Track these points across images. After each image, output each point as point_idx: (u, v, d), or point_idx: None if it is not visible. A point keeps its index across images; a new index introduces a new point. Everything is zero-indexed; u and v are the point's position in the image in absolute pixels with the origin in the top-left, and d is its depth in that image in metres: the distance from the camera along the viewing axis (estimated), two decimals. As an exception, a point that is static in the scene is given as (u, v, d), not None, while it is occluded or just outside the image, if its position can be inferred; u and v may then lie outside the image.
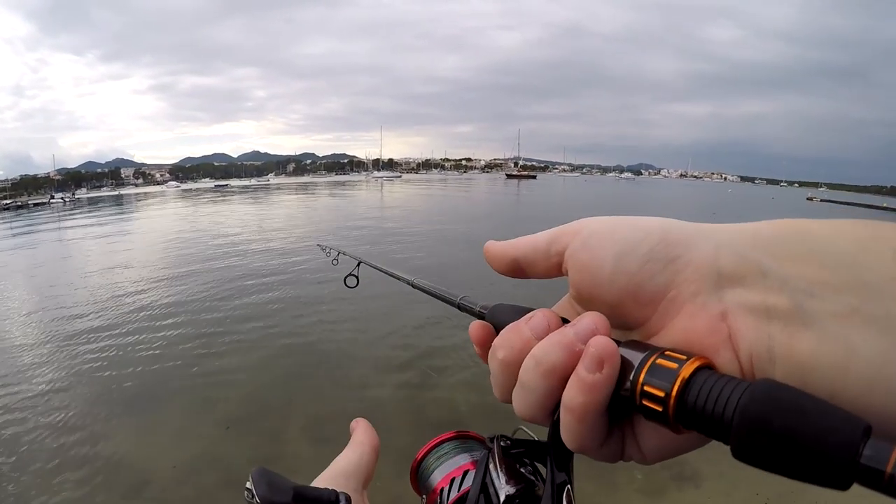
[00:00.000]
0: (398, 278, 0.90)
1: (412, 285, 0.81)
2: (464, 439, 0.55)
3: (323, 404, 6.29)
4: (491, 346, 0.39)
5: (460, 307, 0.55)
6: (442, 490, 0.48)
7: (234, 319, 9.49)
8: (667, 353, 0.29)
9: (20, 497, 4.78)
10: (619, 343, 0.31)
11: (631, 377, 0.30)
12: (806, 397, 0.23)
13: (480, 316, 0.48)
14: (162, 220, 34.20)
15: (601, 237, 0.35)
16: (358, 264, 1.25)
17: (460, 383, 6.63)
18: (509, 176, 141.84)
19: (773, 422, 0.23)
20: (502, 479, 0.42)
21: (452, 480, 0.49)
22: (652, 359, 0.29)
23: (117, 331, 9.12)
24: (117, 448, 5.53)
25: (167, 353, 8.03)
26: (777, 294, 0.26)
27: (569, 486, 0.38)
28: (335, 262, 1.53)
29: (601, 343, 0.30)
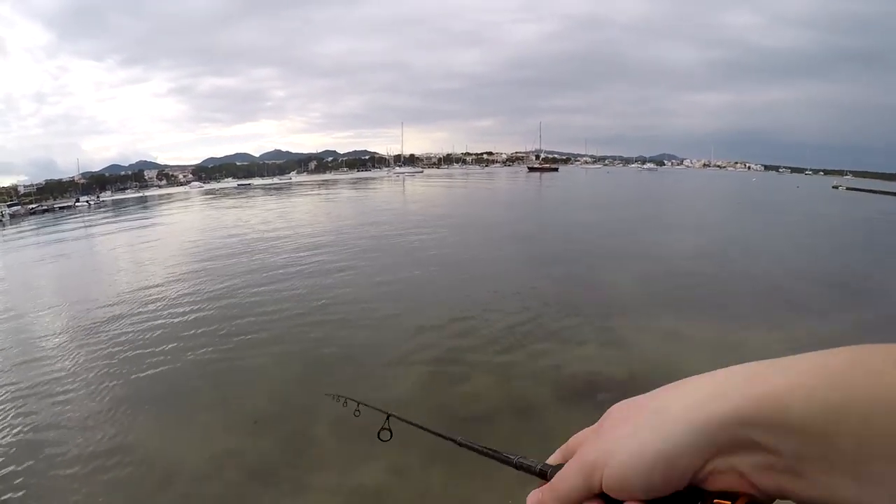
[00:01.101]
0: (439, 436, 0.84)
1: (457, 444, 0.76)
2: None
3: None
4: None
5: (517, 466, 0.56)
6: None
7: (264, 315, 9.71)
8: (715, 501, 0.38)
9: (49, 489, 5.00)
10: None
11: None
12: None
13: (542, 475, 0.51)
14: (186, 220, 34.79)
15: (629, 470, 0.40)
16: (387, 417, 1.14)
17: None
18: (531, 169, 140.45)
19: None
20: None
21: None
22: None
23: (147, 327, 9.40)
24: (146, 442, 5.74)
25: (194, 350, 8.29)
26: (773, 457, 0.35)
27: None
28: (357, 413, 1.37)
29: None
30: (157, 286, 12.86)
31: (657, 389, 0.45)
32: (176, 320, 9.80)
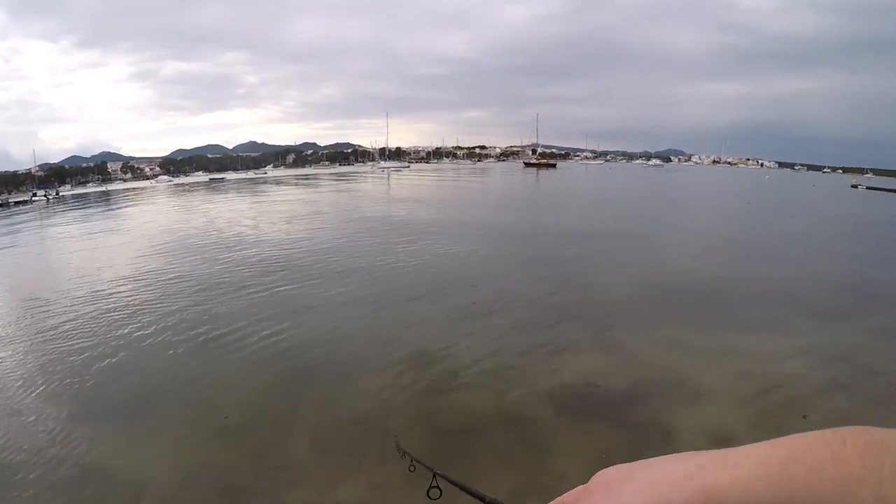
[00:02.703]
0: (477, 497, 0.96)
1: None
2: None
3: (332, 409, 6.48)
4: None
5: None
6: None
7: (241, 318, 9.73)
8: None
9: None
10: None
11: None
12: None
13: None
14: (153, 219, 34.52)
15: None
16: (434, 476, 1.28)
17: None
18: (527, 164, 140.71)
19: None
20: None
21: None
22: None
23: (112, 333, 9.38)
24: (111, 456, 5.74)
25: (165, 356, 8.32)
26: None
27: None
28: (412, 468, 1.57)
29: None
30: (120, 291, 12.80)
31: (632, 465, 0.51)
32: (137, 330, 9.77)
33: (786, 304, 10.63)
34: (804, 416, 6.10)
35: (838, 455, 0.34)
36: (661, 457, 0.49)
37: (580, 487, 0.56)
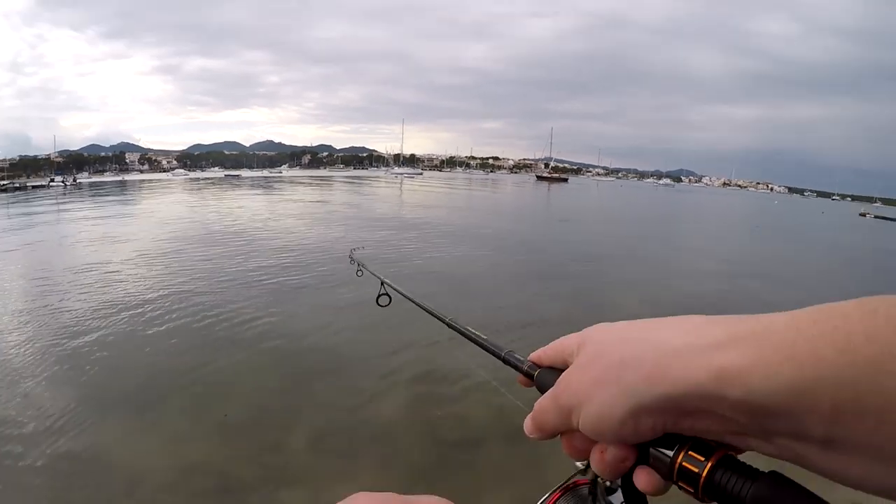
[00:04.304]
0: (430, 313, 0.91)
1: (447, 324, 0.81)
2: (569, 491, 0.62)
3: (331, 410, 6.40)
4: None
5: (505, 361, 0.62)
6: None
7: (241, 319, 9.67)
8: (690, 453, 0.40)
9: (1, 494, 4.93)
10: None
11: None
12: (803, 492, 0.34)
13: (528, 375, 0.57)
14: (168, 210, 34.76)
15: (601, 421, 0.44)
16: (381, 283, 1.28)
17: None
18: (539, 178, 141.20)
19: None
20: None
21: None
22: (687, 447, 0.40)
23: (112, 324, 9.35)
24: (111, 445, 5.67)
25: (166, 351, 8.23)
26: (739, 425, 0.37)
27: None
28: (360, 272, 1.56)
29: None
30: (129, 279, 12.81)
31: (636, 323, 0.46)
32: (146, 317, 9.73)
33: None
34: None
35: (870, 330, 0.31)
36: (658, 320, 0.44)
37: (575, 339, 0.51)
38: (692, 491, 0.39)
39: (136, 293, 11.37)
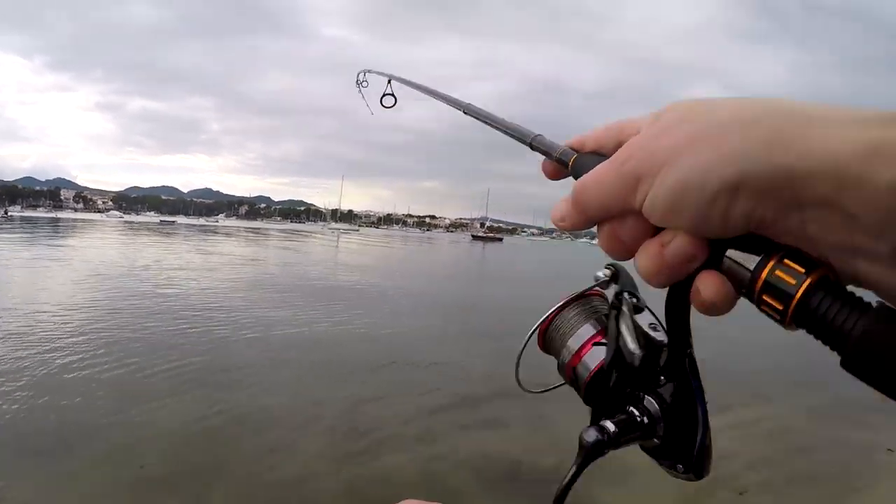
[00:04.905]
0: (445, 100, 0.82)
1: (465, 111, 0.74)
2: (585, 300, 0.53)
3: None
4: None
5: (532, 147, 0.52)
6: (576, 363, 0.51)
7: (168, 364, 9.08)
8: (786, 261, 0.31)
9: None
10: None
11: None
12: None
13: (561, 162, 0.47)
14: (100, 253, 33.15)
15: (687, 193, 0.33)
16: (389, 81, 1.19)
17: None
18: (475, 237, 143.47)
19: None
20: (632, 343, 0.44)
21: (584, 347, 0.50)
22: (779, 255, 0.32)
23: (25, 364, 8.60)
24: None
25: (83, 394, 7.59)
26: (855, 222, 0.28)
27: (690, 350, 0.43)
28: (364, 83, 1.43)
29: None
30: (51, 320, 11.89)
31: (712, 103, 0.35)
32: (63, 362, 8.99)
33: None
34: (740, 493, 5.93)
35: None
36: (775, 101, 0.33)
37: (645, 119, 0.38)
38: (778, 310, 0.31)
39: (55, 335, 10.53)
